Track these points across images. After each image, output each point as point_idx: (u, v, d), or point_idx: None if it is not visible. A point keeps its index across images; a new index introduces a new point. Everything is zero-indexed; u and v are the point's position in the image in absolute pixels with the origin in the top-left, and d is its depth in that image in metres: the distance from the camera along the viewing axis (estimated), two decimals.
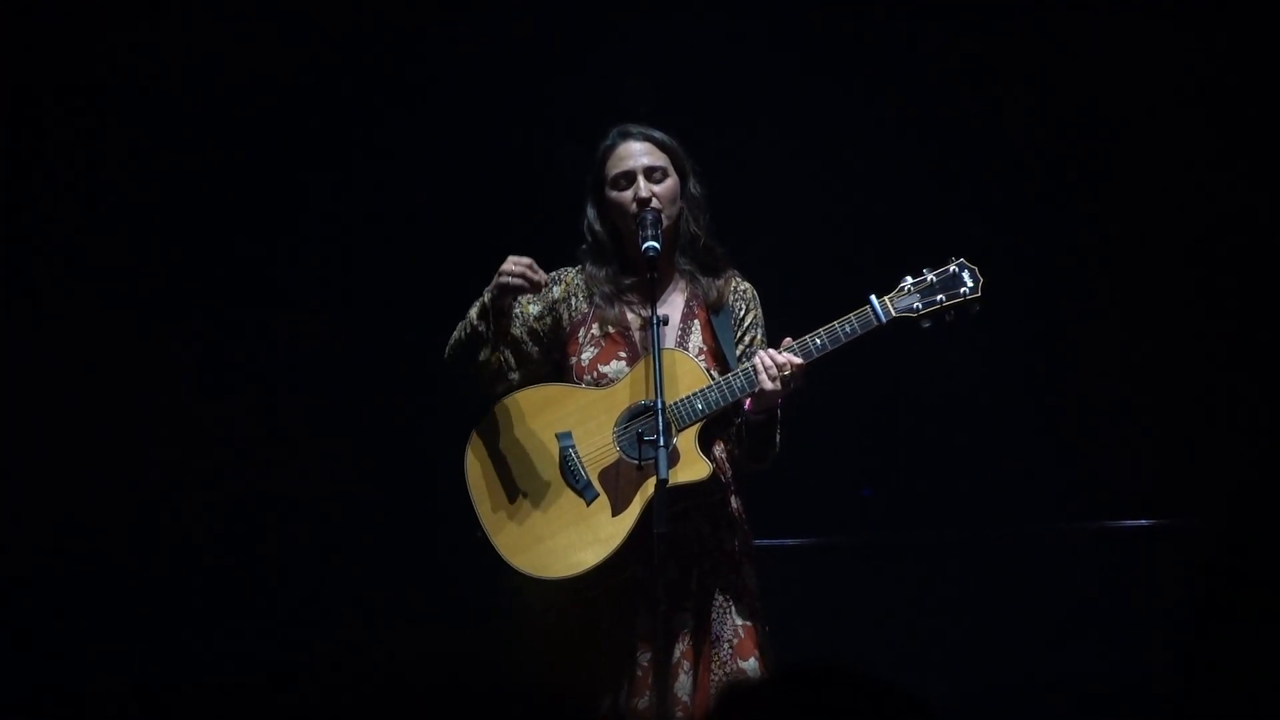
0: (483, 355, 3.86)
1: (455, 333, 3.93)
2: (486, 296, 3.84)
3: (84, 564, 5.30)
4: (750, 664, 3.84)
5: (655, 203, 3.91)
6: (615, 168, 3.97)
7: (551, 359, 4.01)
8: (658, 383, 3.67)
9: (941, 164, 5.61)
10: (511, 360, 3.92)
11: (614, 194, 3.97)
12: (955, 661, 5.46)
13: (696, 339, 3.97)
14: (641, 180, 3.94)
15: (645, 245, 3.83)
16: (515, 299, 3.87)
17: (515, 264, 3.79)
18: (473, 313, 3.87)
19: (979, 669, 5.44)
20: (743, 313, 4.03)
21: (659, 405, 3.64)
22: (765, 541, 4.82)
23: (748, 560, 3.96)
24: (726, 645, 3.85)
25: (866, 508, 5.72)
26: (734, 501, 3.98)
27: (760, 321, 4.06)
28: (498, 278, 3.81)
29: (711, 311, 3.99)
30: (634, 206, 3.92)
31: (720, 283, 4.02)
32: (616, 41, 5.51)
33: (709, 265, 4.03)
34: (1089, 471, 5.61)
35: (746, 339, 4.02)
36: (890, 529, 5.66)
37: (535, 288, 3.82)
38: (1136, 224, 5.58)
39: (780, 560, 5.38)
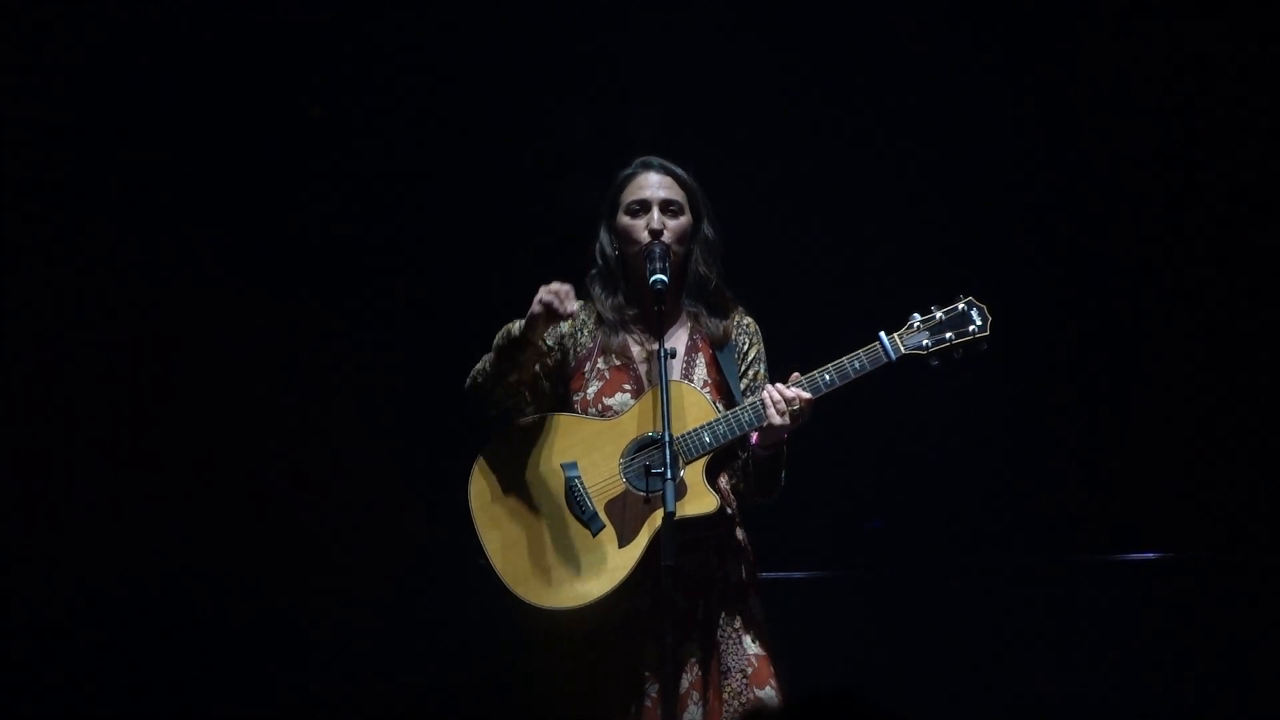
0: (504, 389, 3.86)
1: (480, 364, 3.93)
2: (516, 327, 3.84)
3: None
4: (768, 692, 3.83)
5: (666, 235, 3.92)
6: (632, 195, 3.98)
7: (557, 393, 4.01)
8: (665, 415, 3.66)
9: (955, 199, 5.64)
10: (528, 396, 3.93)
11: (626, 219, 3.98)
12: (965, 693, 5.45)
13: (701, 372, 3.98)
14: (656, 211, 3.95)
15: (653, 278, 3.84)
16: (546, 330, 3.85)
17: (547, 293, 3.78)
18: (501, 342, 3.87)
19: (988, 700, 5.44)
20: (745, 347, 4.03)
21: (666, 438, 3.63)
22: (773, 574, 4.85)
23: (754, 591, 3.95)
24: (739, 675, 3.84)
25: (875, 540, 5.71)
26: (740, 533, 3.97)
27: (763, 356, 4.06)
28: (532, 307, 3.80)
29: (716, 347, 3.99)
30: (645, 236, 3.93)
31: (727, 322, 4.02)
32: (623, 71, 5.55)
33: (717, 307, 4.03)
34: (1098, 504, 5.61)
35: (750, 373, 4.02)
36: (899, 561, 5.66)
37: (567, 316, 3.80)
38: (1140, 254, 5.60)
39: (786, 593, 5.37)
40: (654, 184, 3.98)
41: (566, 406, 3.98)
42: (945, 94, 5.64)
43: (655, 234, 3.92)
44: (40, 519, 5.33)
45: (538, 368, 3.92)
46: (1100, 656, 5.47)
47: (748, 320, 4.08)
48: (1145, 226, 5.64)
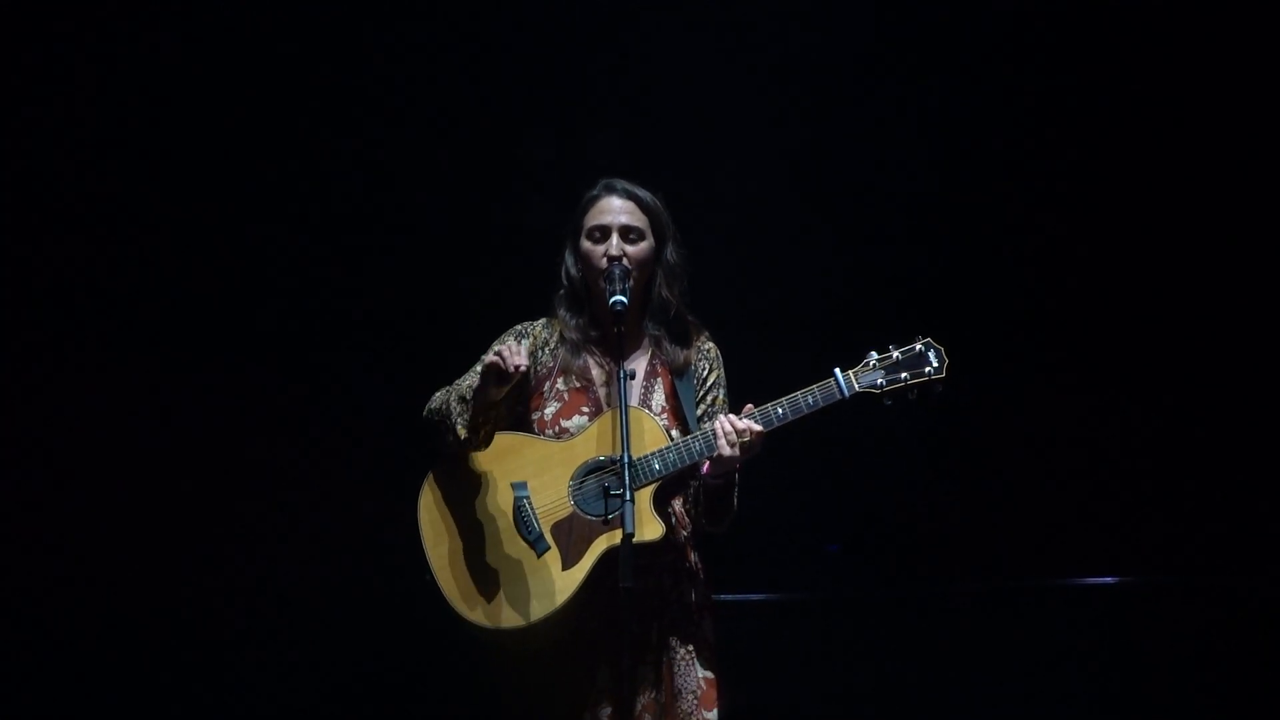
0: (458, 434, 3.83)
1: (440, 401, 3.90)
2: (469, 383, 3.86)
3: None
4: (714, 715, 3.86)
5: (625, 261, 3.92)
6: (594, 220, 3.98)
7: (515, 411, 4.00)
8: (624, 438, 3.65)
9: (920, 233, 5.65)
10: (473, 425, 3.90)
11: (588, 245, 3.98)
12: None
13: (659, 398, 3.97)
14: (615, 238, 3.95)
15: (612, 299, 3.84)
16: (499, 388, 3.79)
17: (492, 354, 3.78)
18: (461, 391, 3.86)
19: None
20: (705, 372, 4.03)
21: (625, 459, 3.62)
22: (728, 596, 4.83)
23: (707, 613, 3.96)
24: (690, 696, 3.85)
25: (829, 564, 5.72)
26: (694, 555, 3.97)
27: (723, 382, 4.06)
28: (482, 368, 3.79)
29: (675, 373, 3.99)
30: (604, 263, 3.93)
31: (689, 350, 4.02)
32: (587, 90, 5.56)
33: (678, 332, 4.03)
34: (1057, 528, 5.63)
35: (709, 398, 4.02)
36: (853, 585, 5.66)
37: (514, 374, 3.75)
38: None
39: (741, 615, 5.37)
40: (615, 209, 3.98)
41: (524, 424, 3.98)
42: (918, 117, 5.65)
43: (613, 259, 3.92)
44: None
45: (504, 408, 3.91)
46: (1058, 682, 5.48)
47: (709, 345, 4.08)
48: (1121, 237, 5.68)
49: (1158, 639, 5.48)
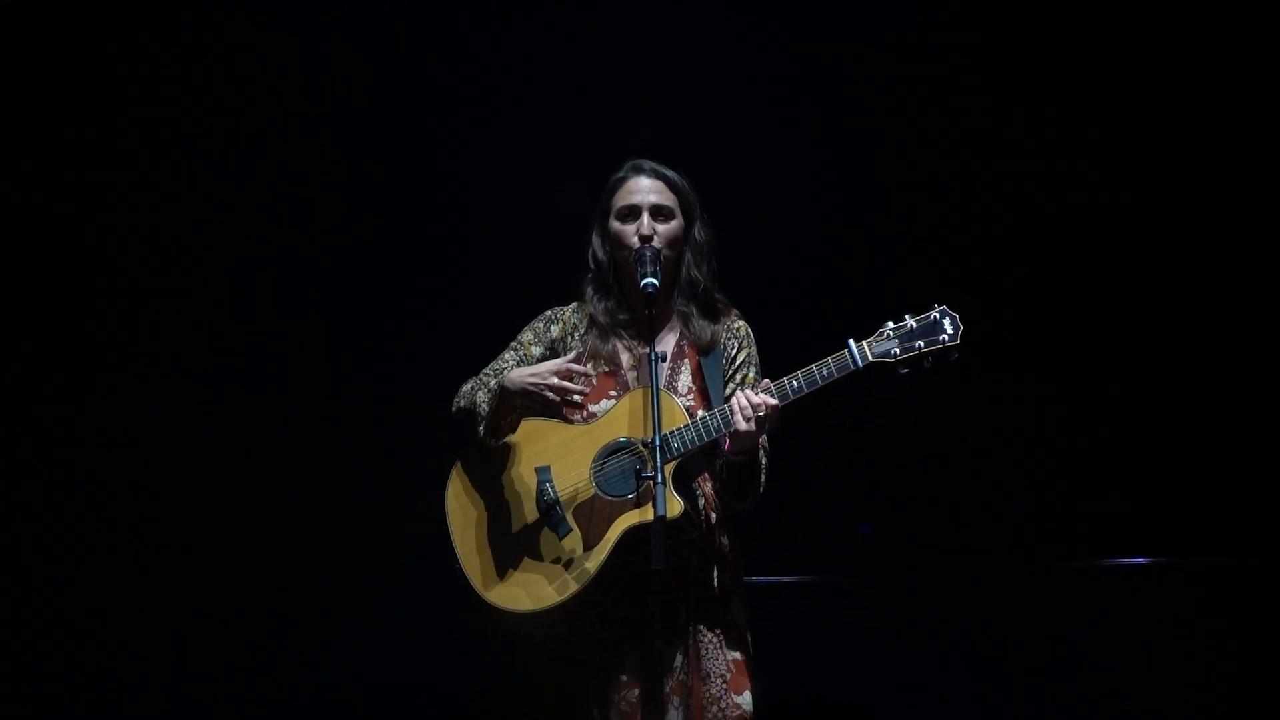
0: (483, 431, 3.88)
1: (468, 395, 3.95)
2: (498, 384, 3.89)
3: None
4: (745, 698, 3.85)
5: (656, 241, 3.92)
6: (623, 200, 3.98)
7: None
8: (655, 419, 3.66)
9: (938, 207, 5.64)
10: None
11: (617, 225, 3.98)
12: (950, 702, 5.47)
13: (686, 379, 3.97)
14: (646, 217, 3.95)
15: (644, 282, 3.84)
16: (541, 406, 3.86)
17: (548, 380, 3.83)
18: (490, 391, 3.90)
19: (973, 710, 5.45)
20: (734, 350, 4.03)
21: (657, 441, 3.63)
22: (760, 579, 4.83)
23: (736, 596, 3.95)
24: (719, 680, 3.85)
25: (862, 545, 5.72)
26: (723, 538, 3.96)
27: (754, 360, 4.05)
28: (531, 384, 3.84)
29: (702, 353, 3.99)
30: (635, 241, 3.93)
31: (716, 326, 4.02)
32: (615, 78, 5.57)
33: (707, 309, 4.03)
34: (1084, 509, 5.61)
35: (738, 377, 4.02)
36: (885, 566, 5.66)
37: (551, 406, 3.85)
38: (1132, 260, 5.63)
39: (772, 597, 5.37)
40: (645, 188, 3.98)
41: (552, 408, 3.95)
42: (932, 101, 5.64)
43: (645, 239, 3.93)
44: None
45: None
46: (1089, 663, 5.46)
47: (740, 324, 4.08)
48: (1133, 228, 5.66)
49: (1186, 618, 5.47)
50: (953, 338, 3.77)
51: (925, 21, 5.61)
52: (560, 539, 3.78)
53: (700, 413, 3.86)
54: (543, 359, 3.99)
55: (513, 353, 4.03)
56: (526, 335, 4.05)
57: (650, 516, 3.63)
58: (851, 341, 3.78)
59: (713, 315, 4.03)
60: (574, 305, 4.08)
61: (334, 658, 5.41)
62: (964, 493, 5.64)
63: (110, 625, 5.36)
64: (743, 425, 3.74)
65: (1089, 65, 5.60)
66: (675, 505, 3.74)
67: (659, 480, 3.54)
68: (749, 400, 3.74)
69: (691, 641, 3.85)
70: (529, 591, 3.75)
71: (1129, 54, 5.58)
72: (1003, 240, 5.64)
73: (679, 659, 3.82)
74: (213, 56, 5.45)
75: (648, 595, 3.64)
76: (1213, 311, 5.62)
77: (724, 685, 3.84)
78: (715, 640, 3.87)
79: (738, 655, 3.88)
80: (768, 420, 3.75)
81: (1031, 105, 5.62)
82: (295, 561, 5.47)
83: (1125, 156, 5.63)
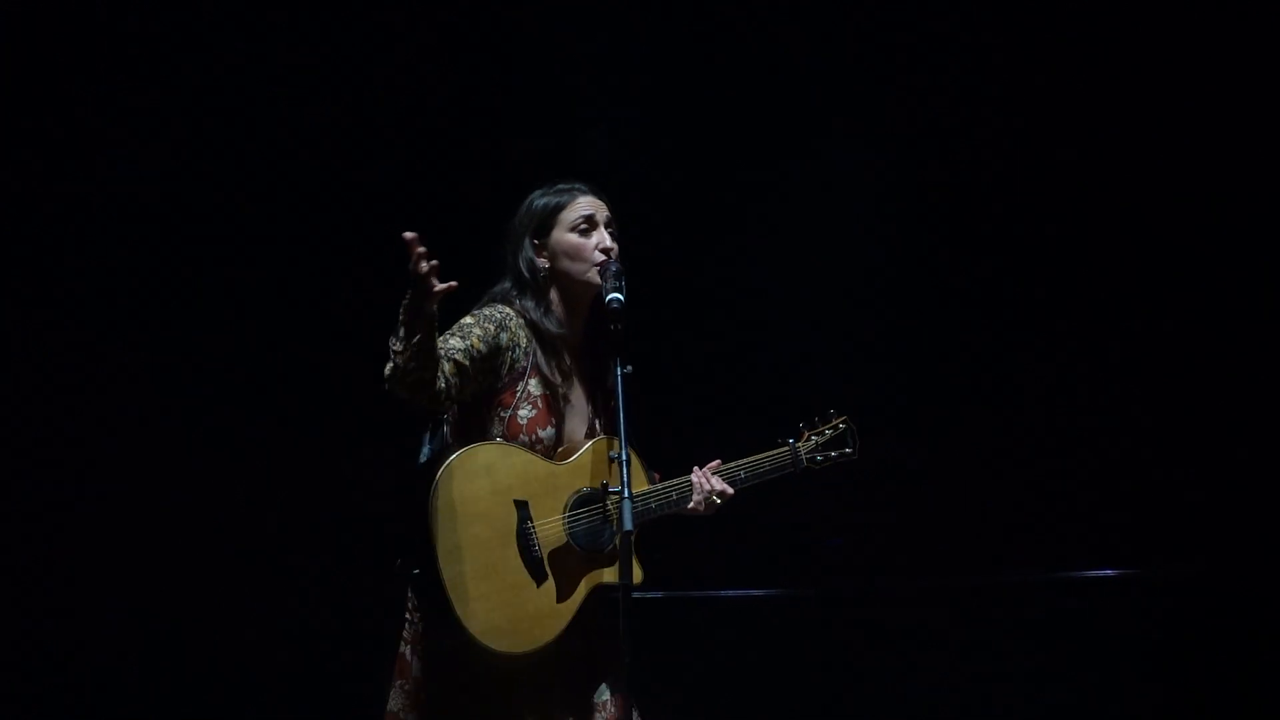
0: (418, 367, 3.61)
1: (389, 367, 3.66)
2: (407, 307, 3.61)
3: None
4: None
5: (613, 254, 3.90)
6: (577, 211, 3.93)
7: (481, 401, 3.88)
8: (621, 434, 3.61)
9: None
10: (455, 386, 3.73)
11: (573, 238, 3.91)
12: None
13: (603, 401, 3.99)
14: (604, 230, 3.93)
15: (609, 297, 3.77)
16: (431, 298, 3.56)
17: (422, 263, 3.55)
18: (402, 331, 3.61)
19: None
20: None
21: (623, 457, 3.60)
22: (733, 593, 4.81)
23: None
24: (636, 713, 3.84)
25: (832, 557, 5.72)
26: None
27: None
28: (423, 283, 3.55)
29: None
30: (597, 255, 3.89)
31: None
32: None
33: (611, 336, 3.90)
34: (1055, 521, 5.65)
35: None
36: (854, 578, 5.68)
37: (429, 277, 3.53)
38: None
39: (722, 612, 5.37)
40: (596, 204, 3.96)
41: (491, 420, 3.86)
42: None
43: (607, 251, 3.90)
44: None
45: (459, 357, 3.74)
46: (1054, 676, 5.47)
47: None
48: (1104, 232, 5.72)
49: (1157, 630, 5.49)
50: (853, 452, 4.23)
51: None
52: (538, 586, 3.73)
53: (661, 481, 3.92)
54: (487, 357, 3.81)
55: (458, 339, 3.80)
56: (475, 330, 3.83)
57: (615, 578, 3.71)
58: (792, 440, 4.14)
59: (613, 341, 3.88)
60: (511, 313, 3.91)
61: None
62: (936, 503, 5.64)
63: (110, 625, 5.37)
64: (702, 507, 3.93)
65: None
66: (639, 572, 3.74)
67: (625, 495, 3.55)
68: (711, 485, 3.94)
69: (617, 675, 3.80)
70: (504, 630, 3.67)
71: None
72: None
73: (607, 696, 3.81)
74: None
75: (624, 609, 3.59)
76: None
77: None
78: (619, 674, 3.79)
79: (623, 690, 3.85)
80: (720, 505, 3.95)
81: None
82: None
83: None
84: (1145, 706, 5.45)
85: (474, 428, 3.86)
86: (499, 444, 3.82)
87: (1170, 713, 5.45)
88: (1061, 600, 5.58)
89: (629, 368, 3.78)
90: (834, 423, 4.24)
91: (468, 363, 3.76)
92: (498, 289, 3.97)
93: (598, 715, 3.80)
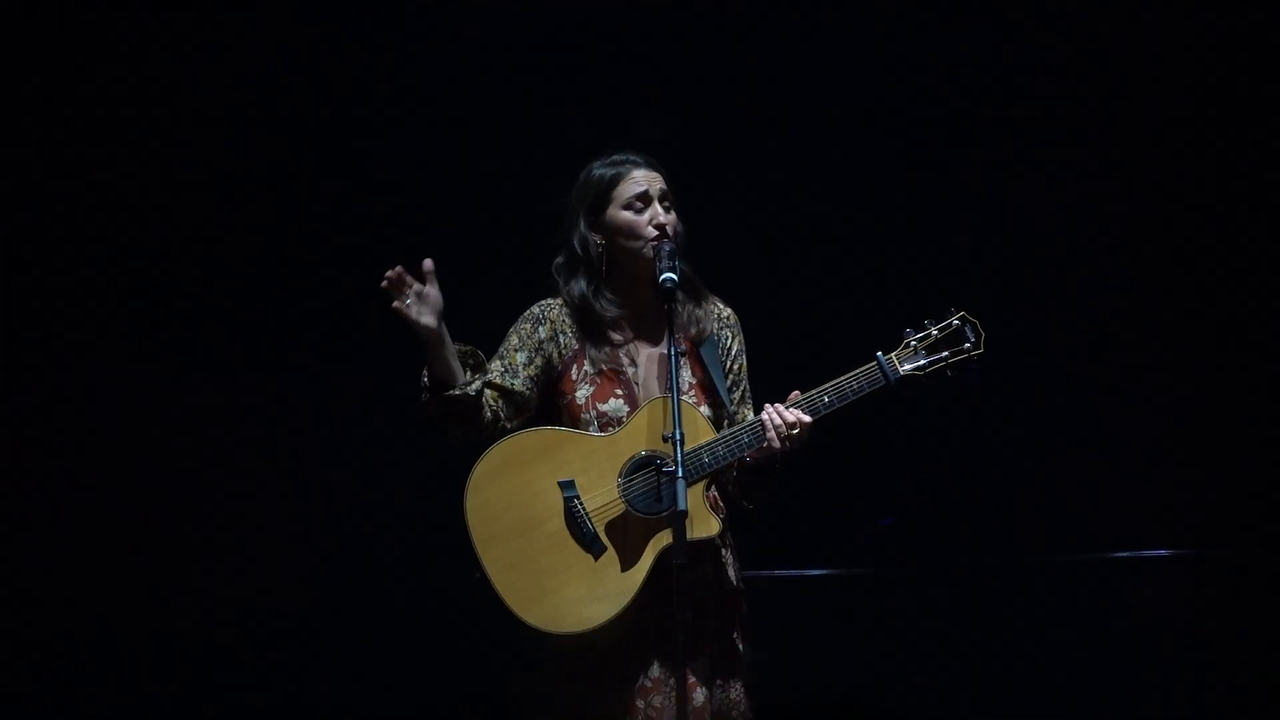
0: (441, 413, 3.77)
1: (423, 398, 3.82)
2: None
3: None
4: (741, 692, 3.86)
5: (669, 230, 3.88)
6: (630, 189, 3.92)
7: (548, 398, 3.95)
8: (675, 412, 3.60)
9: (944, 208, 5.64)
10: (504, 410, 3.85)
11: (626, 214, 3.91)
12: (959, 695, 5.47)
13: (686, 373, 3.91)
14: (658, 206, 3.92)
15: (663, 276, 3.77)
16: (418, 321, 3.69)
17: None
18: (424, 375, 3.78)
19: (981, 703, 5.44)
20: (729, 340, 4.01)
21: (678, 435, 3.58)
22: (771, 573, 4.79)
23: (743, 596, 3.96)
24: (739, 684, 3.85)
25: (884, 537, 5.69)
26: (728, 537, 3.95)
27: (744, 348, 4.03)
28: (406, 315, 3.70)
29: (696, 343, 3.95)
30: (650, 231, 3.88)
31: (701, 312, 3.97)
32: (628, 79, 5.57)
33: (694, 298, 3.98)
34: (1105, 502, 5.59)
35: (735, 367, 4.00)
36: (908, 558, 5.65)
37: (398, 287, 3.67)
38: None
39: (777, 592, 5.35)
40: (651, 178, 3.94)
41: (559, 410, 3.93)
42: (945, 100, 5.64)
43: (661, 228, 3.88)
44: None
45: (500, 380, 3.86)
46: (1107, 655, 5.44)
47: (727, 312, 4.06)
48: (1144, 223, 5.65)
49: (1202, 610, 5.44)
50: (975, 345, 3.77)
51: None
52: (596, 558, 3.71)
53: (706, 411, 3.85)
54: (529, 364, 3.90)
55: (499, 361, 3.92)
56: (512, 340, 3.94)
57: (692, 534, 3.63)
58: (880, 354, 3.76)
59: (699, 303, 3.98)
60: (559, 301, 3.99)
61: (342, 663, 5.39)
62: (983, 484, 5.61)
63: (109, 626, 5.36)
64: (775, 442, 3.72)
65: None
66: (713, 523, 3.75)
67: (679, 475, 3.50)
68: (782, 418, 3.72)
69: (713, 645, 3.82)
70: (568, 612, 3.67)
71: None
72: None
73: (705, 664, 3.79)
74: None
75: (672, 603, 3.60)
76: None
77: (742, 690, 3.85)
78: (734, 642, 3.85)
79: (748, 653, 3.88)
80: (801, 437, 3.73)
81: None
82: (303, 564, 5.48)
83: None
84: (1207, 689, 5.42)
85: (543, 420, 3.92)
86: (532, 432, 3.83)
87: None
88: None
89: (683, 347, 3.82)
90: (947, 320, 3.83)
91: (510, 382, 3.86)
92: (555, 263, 4.00)
93: (693, 687, 3.75)
